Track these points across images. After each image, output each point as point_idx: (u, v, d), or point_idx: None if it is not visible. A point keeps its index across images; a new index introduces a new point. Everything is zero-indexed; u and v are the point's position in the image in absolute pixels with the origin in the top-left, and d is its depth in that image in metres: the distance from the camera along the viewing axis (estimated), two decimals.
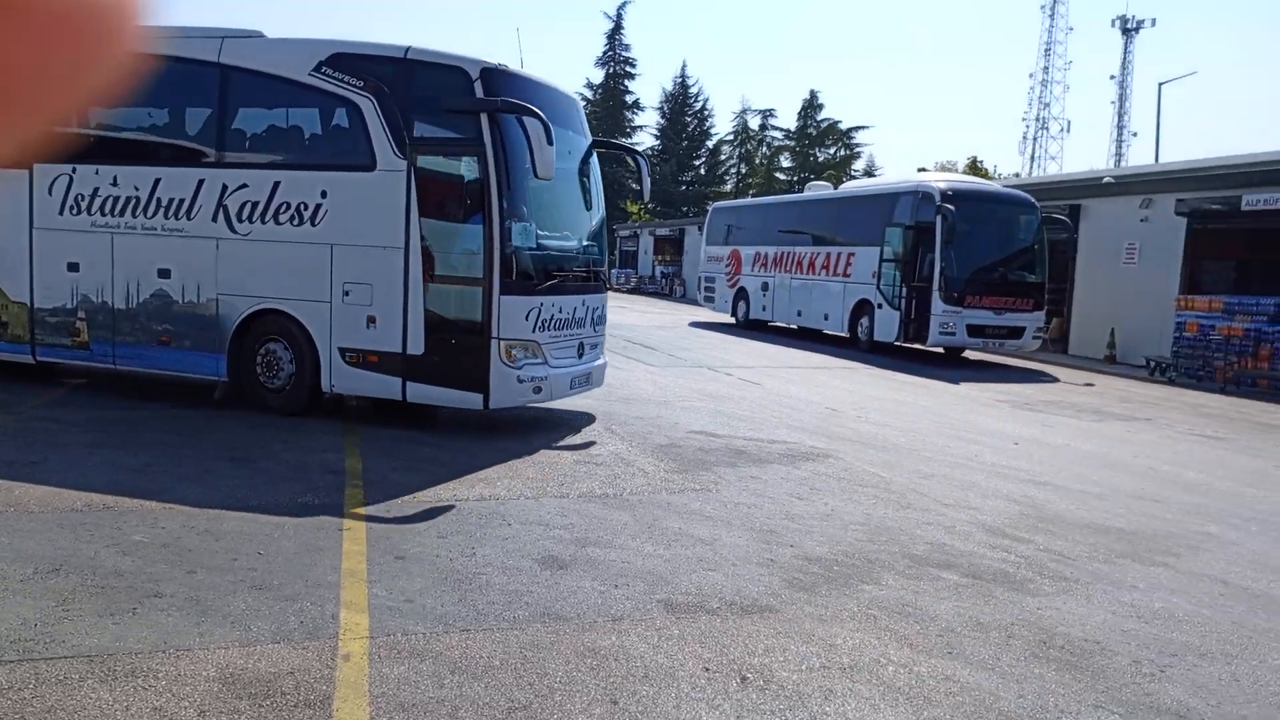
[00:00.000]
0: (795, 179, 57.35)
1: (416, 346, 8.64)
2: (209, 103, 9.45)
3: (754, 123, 65.27)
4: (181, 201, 9.36)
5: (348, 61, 8.78)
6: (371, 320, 8.76)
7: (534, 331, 8.71)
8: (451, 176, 8.89)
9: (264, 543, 5.47)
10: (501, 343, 8.48)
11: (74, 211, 9.70)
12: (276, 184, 9.03)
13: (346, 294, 8.83)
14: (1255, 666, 4.53)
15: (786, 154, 64.16)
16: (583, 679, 3.92)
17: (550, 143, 8.06)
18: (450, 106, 8.54)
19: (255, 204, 9.08)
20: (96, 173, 9.58)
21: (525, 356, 8.66)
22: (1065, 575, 5.76)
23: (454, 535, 5.81)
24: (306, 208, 8.91)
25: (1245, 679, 4.37)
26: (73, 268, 9.79)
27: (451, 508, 6.43)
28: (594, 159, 10.16)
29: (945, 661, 4.33)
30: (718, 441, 9.35)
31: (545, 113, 8.19)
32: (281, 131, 9.44)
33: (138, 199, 9.51)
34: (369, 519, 6.06)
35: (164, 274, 9.49)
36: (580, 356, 9.53)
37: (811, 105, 62.04)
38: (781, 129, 64.81)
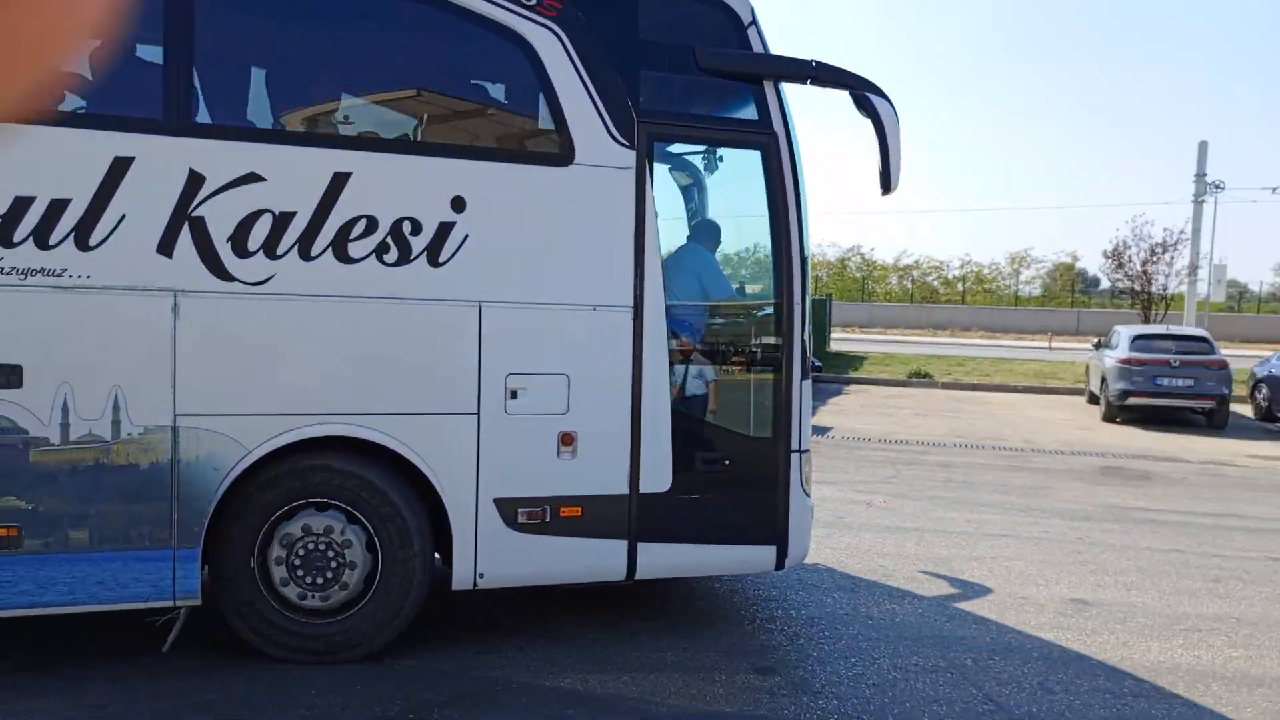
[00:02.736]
0: None
1: (658, 480, 4.92)
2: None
3: None
4: (60, 208, 4.02)
5: None
6: (567, 440, 4.79)
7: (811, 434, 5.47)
8: (719, 183, 5.78)
9: None
10: (803, 458, 5.18)
11: None
12: (339, 179, 4.39)
13: (514, 395, 4.71)
14: None
15: None
16: None
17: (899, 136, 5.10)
18: (717, 66, 4.92)
19: (284, 219, 4.33)
20: None
21: (810, 476, 5.41)
22: None
23: None
24: (418, 230, 4.50)
25: None
26: None
27: None
28: None
29: None
30: None
31: None
32: (352, 76, 5.08)
33: None
34: None
35: (5, 379, 4.05)
36: None
37: None
38: None
